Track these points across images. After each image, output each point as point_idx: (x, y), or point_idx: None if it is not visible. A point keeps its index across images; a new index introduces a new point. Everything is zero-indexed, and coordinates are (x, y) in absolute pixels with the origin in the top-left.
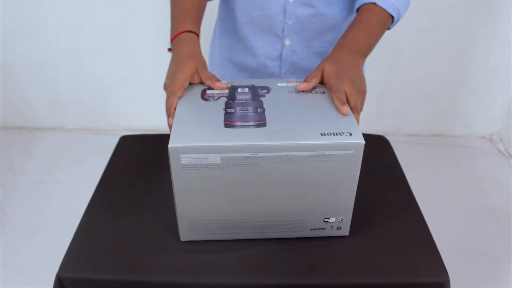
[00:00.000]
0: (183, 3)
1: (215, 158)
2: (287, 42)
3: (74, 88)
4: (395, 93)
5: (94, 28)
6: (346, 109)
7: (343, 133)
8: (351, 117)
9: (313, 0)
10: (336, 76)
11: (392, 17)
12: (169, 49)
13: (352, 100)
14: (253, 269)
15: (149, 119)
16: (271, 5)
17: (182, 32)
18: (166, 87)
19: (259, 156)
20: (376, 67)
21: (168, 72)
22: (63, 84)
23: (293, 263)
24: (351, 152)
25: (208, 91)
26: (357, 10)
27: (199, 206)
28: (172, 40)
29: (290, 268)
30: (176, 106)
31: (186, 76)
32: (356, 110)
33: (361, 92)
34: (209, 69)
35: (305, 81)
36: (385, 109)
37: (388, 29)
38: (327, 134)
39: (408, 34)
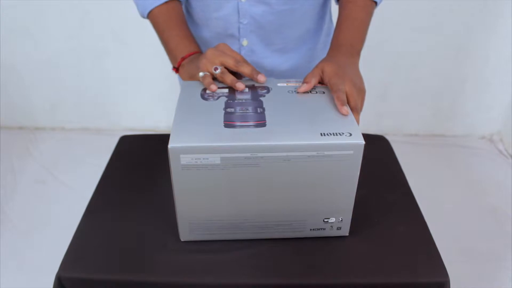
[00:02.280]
0: (173, 31)
1: (215, 158)
2: (245, 43)
3: (74, 88)
4: (395, 93)
5: (94, 28)
6: (346, 109)
7: (343, 133)
8: (351, 117)
9: None
10: (337, 76)
11: (375, 2)
12: (175, 68)
13: (353, 100)
14: (253, 269)
15: (149, 119)
16: (224, 6)
17: (191, 54)
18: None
19: (259, 156)
20: (376, 67)
21: (193, 63)
22: (63, 84)
23: (293, 263)
24: (351, 152)
25: (208, 91)
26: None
27: (199, 206)
28: (178, 64)
29: (290, 268)
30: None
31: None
32: (356, 110)
33: (361, 92)
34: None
35: (304, 81)
36: (385, 109)
37: None
38: (327, 134)
39: (408, 34)
